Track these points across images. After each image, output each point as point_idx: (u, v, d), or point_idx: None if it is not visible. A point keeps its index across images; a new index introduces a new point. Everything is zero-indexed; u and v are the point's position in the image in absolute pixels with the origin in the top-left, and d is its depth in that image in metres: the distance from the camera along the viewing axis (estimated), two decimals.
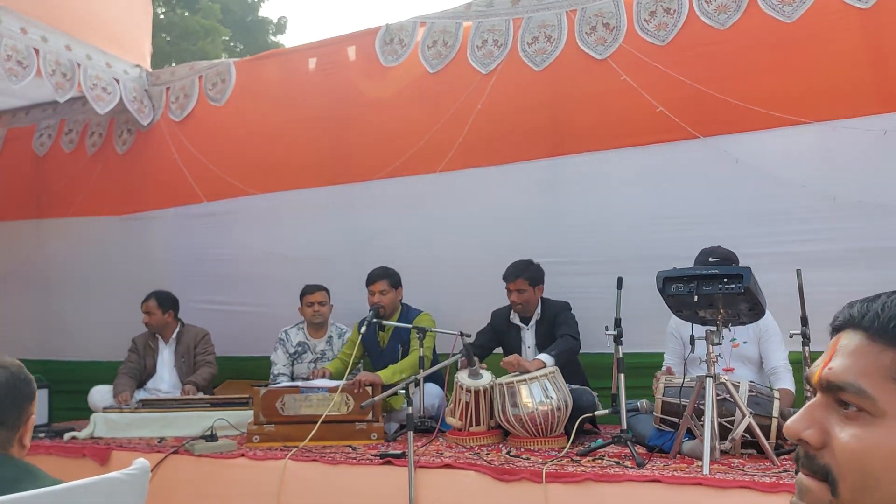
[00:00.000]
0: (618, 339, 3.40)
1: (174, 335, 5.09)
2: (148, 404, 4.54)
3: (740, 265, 3.48)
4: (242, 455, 3.70)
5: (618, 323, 3.44)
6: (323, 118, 5.31)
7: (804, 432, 0.78)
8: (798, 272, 3.12)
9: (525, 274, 4.19)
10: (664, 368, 3.76)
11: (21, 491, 1.59)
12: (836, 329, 0.81)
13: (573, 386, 3.87)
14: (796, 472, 0.81)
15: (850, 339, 0.78)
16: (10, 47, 4.97)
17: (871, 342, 0.76)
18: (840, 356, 0.78)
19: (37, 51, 5.12)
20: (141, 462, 1.89)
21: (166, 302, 5.06)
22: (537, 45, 4.65)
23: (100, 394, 4.83)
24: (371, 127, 5.13)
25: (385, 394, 3.41)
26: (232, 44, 17.55)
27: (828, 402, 0.78)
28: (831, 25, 3.99)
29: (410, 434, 3.21)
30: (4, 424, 1.69)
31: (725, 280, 2.89)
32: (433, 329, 4.22)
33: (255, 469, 3.58)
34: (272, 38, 18.28)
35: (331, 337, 4.87)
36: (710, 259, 3.47)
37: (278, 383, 4.47)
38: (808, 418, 0.79)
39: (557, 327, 4.10)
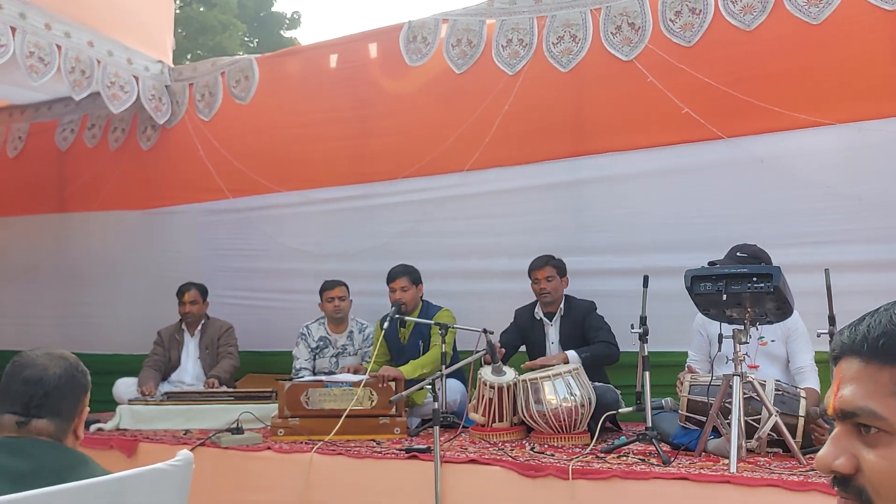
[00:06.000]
0: (643, 337, 3.42)
1: (199, 328, 5.18)
2: (173, 397, 4.60)
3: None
4: (268, 448, 3.74)
5: (643, 321, 3.46)
6: (346, 116, 5.35)
7: (835, 463, 0.81)
8: (826, 272, 3.14)
9: (553, 262, 4.30)
10: (686, 368, 3.76)
11: (74, 479, 1.63)
12: (836, 358, 0.85)
13: (597, 384, 3.89)
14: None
15: (849, 366, 0.82)
16: (32, 43, 5.01)
17: (867, 364, 0.80)
18: (846, 384, 0.81)
19: (59, 47, 5.16)
20: (185, 454, 1.92)
21: (205, 292, 5.21)
22: (563, 44, 4.66)
23: (125, 386, 4.88)
24: (396, 125, 5.18)
25: (413, 388, 3.44)
26: (246, 38, 17.61)
27: (848, 430, 0.81)
28: (858, 27, 3.99)
29: (436, 429, 3.23)
30: (60, 415, 1.72)
31: (755, 279, 2.91)
32: (456, 326, 4.24)
33: (282, 462, 3.63)
34: (286, 32, 18.33)
35: (351, 332, 4.91)
36: (738, 254, 3.49)
37: (300, 377, 4.52)
38: (835, 449, 0.82)
39: (590, 330, 4.14)
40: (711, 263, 3.32)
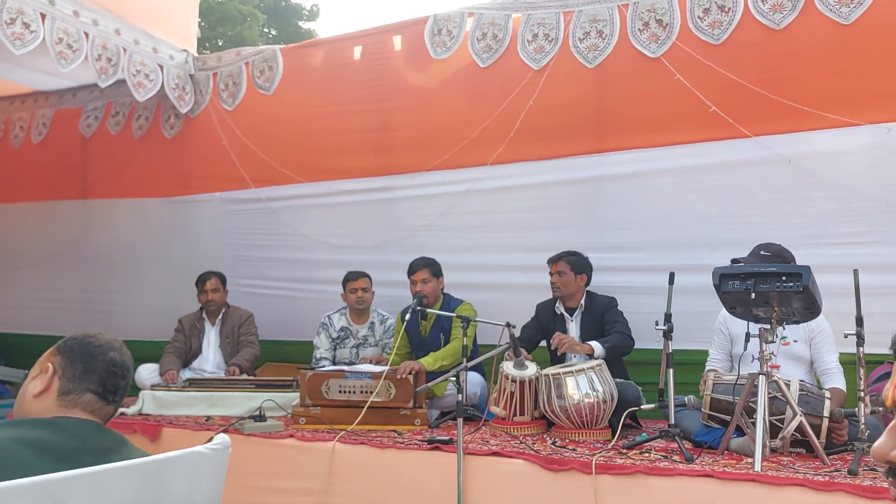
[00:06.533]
0: (668, 335, 3.41)
1: (220, 316, 5.22)
2: (195, 384, 4.65)
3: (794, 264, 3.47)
4: (291, 436, 3.77)
5: (668, 318, 3.45)
6: (369, 108, 5.37)
7: (891, 453, 0.82)
8: (855, 272, 3.12)
9: (568, 258, 4.32)
10: (707, 370, 3.75)
11: (115, 460, 1.66)
12: None
13: (618, 380, 3.89)
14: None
15: None
16: (62, 30, 5.06)
17: None
18: None
19: (86, 34, 5.21)
20: (222, 438, 1.95)
21: (224, 280, 5.27)
22: (589, 40, 4.66)
23: (147, 372, 4.93)
24: (419, 118, 5.19)
25: (439, 380, 3.46)
26: (266, 29, 17.67)
27: None
28: (889, 28, 3.97)
29: (460, 420, 3.26)
30: (120, 399, 1.77)
31: (784, 278, 2.91)
32: (478, 319, 4.25)
33: (305, 450, 3.66)
34: (304, 24, 18.36)
35: (373, 323, 4.93)
36: (762, 252, 3.49)
37: (321, 367, 4.54)
38: (892, 439, 0.83)
39: (609, 324, 4.16)
40: (735, 261, 3.32)
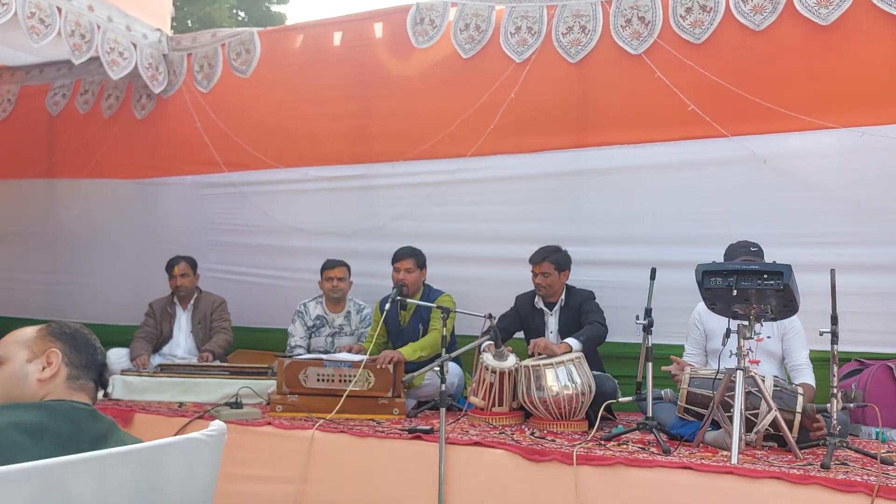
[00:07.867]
0: (648, 329, 3.46)
1: (192, 301, 5.14)
2: (166, 369, 4.58)
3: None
4: (269, 423, 3.74)
5: (648, 313, 3.50)
6: (348, 95, 5.33)
7: None
8: (832, 272, 3.20)
9: (552, 258, 4.27)
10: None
11: (108, 446, 1.65)
12: None
13: (595, 372, 3.93)
14: None
15: None
16: (33, 4, 4.91)
17: None
18: None
19: (59, 10, 5.07)
20: (218, 424, 1.94)
21: (194, 265, 5.18)
22: (572, 35, 4.68)
23: (116, 356, 4.83)
24: (399, 107, 5.17)
25: (425, 369, 3.47)
26: (234, 11, 17.35)
27: None
28: (865, 32, 4.07)
29: (443, 410, 3.27)
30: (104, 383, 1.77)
31: (765, 276, 2.97)
32: (459, 310, 4.26)
33: (283, 438, 3.63)
34: (274, 7, 18.08)
35: (349, 312, 4.91)
36: (752, 248, 3.58)
37: (295, 355, 4.51)
38: None
39: (584, 315, 4.18)
40: (729, 258, 3.38)
